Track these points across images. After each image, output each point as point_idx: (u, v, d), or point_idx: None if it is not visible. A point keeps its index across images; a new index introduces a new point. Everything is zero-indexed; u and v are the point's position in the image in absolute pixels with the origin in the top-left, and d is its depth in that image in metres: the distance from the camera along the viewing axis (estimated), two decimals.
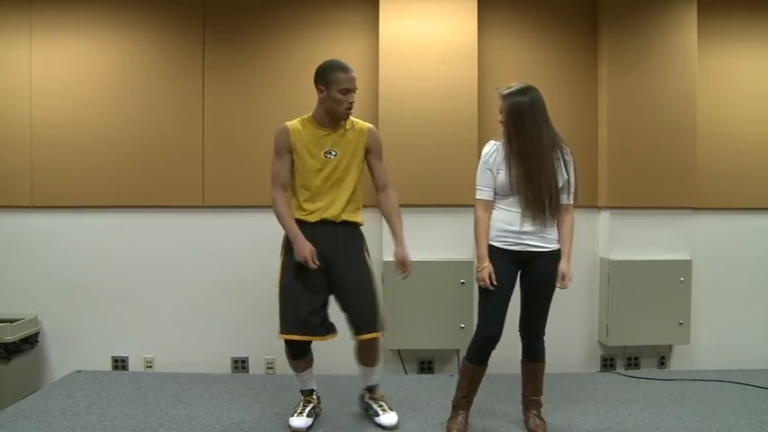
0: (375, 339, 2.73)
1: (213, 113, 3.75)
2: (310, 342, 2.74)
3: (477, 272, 2.62)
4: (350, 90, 2.67)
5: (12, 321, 3.51)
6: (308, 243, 2.64)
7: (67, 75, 3.75)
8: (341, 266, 2.70)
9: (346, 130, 2.75)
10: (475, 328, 2.70)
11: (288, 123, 2.75)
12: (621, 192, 3.69)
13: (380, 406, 2.85)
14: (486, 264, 2.59)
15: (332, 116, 2.70)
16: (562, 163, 2.62)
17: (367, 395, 2.92)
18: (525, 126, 2.54)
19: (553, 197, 2.59)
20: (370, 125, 2.84)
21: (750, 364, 3.79)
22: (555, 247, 2.66)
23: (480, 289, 2.65)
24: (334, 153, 2.71)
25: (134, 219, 3.78)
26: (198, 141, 3.75)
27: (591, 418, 2.95)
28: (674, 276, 3.68)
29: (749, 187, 3.85)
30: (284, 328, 2.69)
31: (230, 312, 3.77)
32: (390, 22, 3.64)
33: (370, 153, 2.80)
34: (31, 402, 3.11)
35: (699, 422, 2.88)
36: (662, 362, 3.84)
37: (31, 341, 3.63)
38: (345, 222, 2.74)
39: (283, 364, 3.69)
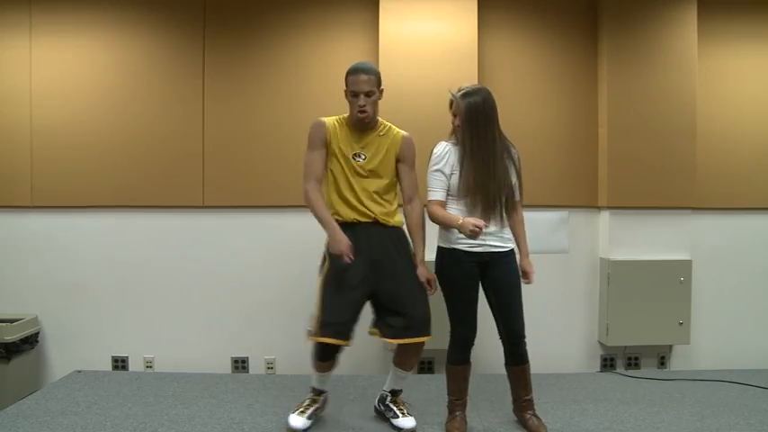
0: (421, 344, 2.75)
1: (213, 113, 3.75)
2: (347, 345, 2.70)
3: (462, 228, 2.51)
4: (357, 93, 2.64)
5: (12, 321, 3.51)
6: (345, 237, 2.61)
7: (67, 75, 3.75)
8: (391, 271, 2.68)
9: (380, 135, 2.74)
10: (449, 327, 2.73)
11: (324, 119, 2.74)
12: (621, 192, 3.69)
13: (401, 410, 2.84)
14: (462, 219, 2.52)
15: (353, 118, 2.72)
16: (513, 162, 2.67)
17: (389, 398, 2.89)
18: (480, 128, 2.57)
19: (508, 197, 2.63)
20: (406, 134, 2.82)
21: (750, 364, 3.80)
22: (511, 246, 2.70)
23: (446, 292, 2.68)
24: (363, 156, 2.70)
25: (134, 219, 3.78)
26: (198, 141, 3.75)
27: (591, 418, 2.95)
28: (674, 276, 3.68)
29: (749, 187, 3.85)
30: (322, 332, 2.62)
31: (230, 312, 3.77)
32: (390, 23, 3.64)
33: (401, 162, 2.78)
34: (31, 402, 3.11)
35: (699, 422, 2.89)
36: (662, 362, 3.84)
37: (31, 341, 3.63)
38: (386, 225, 2.73)
39: (283, 364, 3.73)
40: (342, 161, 2.71)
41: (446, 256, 2.69)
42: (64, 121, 3.74)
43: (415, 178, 2.83)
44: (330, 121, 2.75)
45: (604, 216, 3.79)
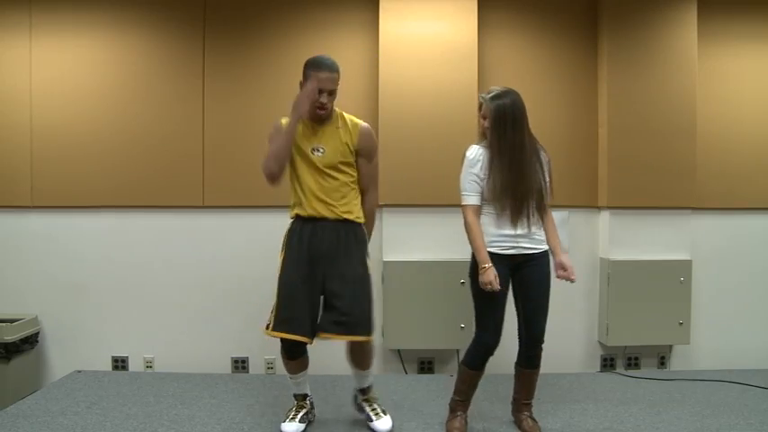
0: (365, 343, 2.68)
1: (213, 113, 3.75)
2: (306, 343, 2.68)
3: (481, 275, 2.54)
4: (321, 90, 2.58)
5: (12, 321, 3.51)
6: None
7: (67, 75, 3.75)
8: (338, 265, 2.64)
9: (338, 127, 2.68)
10: (474, 328, 2.69)
11: (282, 120, 2.69)
12: (621, 192, 3.69)
13: (374, 410, 2.81)
14: (489, 265, 2.54)
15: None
16: (541, 165, 2.65)
17: (360, 396, 2.87)
18: (509, 131, 2.55)
19: (538, 200, 2.61)
20: (364, 125, 2.73)
21: (750, 364, 3.79)
22: (544, 247, 2.68)
23: (476, 295, 2.64)
24: (321, 150, 2.64)
25: (134, 219, 3.78)
26: (198, 141, 3.75)
27: (591, 418, 2.95)
28: (674, 276, 3.68)
29: (749, 187, 3.85)
30: (276, 326, 2.62)
31: (230, 312, 3.77)
32: (390, 23, 3.64)
33: (359, 155, 2.71)
34: (31, 402, 3.11)
35: (699, 422, 2.89)
36: (662, 362, 3.84)
37: (31, 341, 3.63)
38: (345, 221, 2.69)
39: (282, 365, 3.72)
40: (300, 157, 2.65)
41: None
42: (64, 121, 3.74)
43: (374, 170, 2.77)
44: (285, 119, 2.68)
45: (604, 216, 3.78)
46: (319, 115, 2.64)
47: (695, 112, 3.70)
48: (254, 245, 3.74)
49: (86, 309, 3.77)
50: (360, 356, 2.74)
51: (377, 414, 2.80)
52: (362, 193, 2.78)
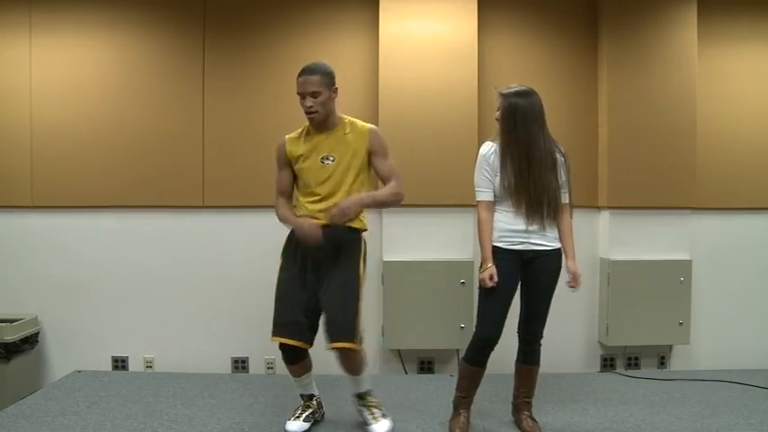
0: (348, 350, 2.61)
1: (213, 113, 3.75)
2: (303, 348, 2.67)
3: (480, 272, 2.61)
4: (303, 95, 2.61)
5: (12, 321, 3.51)
6: (307, 219, 2.61)
7: (67, 75, 3.75)
8: (329, 270, 2.64)
9: (346, 133, 2.69)
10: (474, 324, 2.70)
11: (287, 136, 2.76)
12: (621, 192, 3.69)
13: (371, 414, 2.77)
14: (490, 265, 2.58)
15: None
16: (557, 164, 2.64)
17: (358, 402, 2.83)
18: (519, 128, 2.55)
19: (551, 198, 2.60)
20: (372, 126, 2.75)
21: (750, 364, 3.80)
22: (556, 245, 2.67)
23: (481, 289, 2.65)
24: (331, 158, 2.66)
25: (134, 219, 3.78)
26: (198, 141, 3.75)
27: (591, 418, 2.95)
28: (674, 276, 3.68)
29: (749, 187, 3.85)
30: (274, 331, 2.64)
31: (230, 312, 3.77)
32: (390, 23, 3.64)
33: (374, 155, 2.71)
34: (31, 402, 3.11)
35: (699, 422, 2.89)
36: (662, 362, 3.84)
37: (31, 341, 3.63)
38: (347, 228, 2.67)
39: (283, 365, 3.71)
40: (307, 169, 2.67)
41: None
42: (64, 120, 3.74)
43: (390, 164, 2.73)
44: (291, 136, 2.74)
45: (604, 216, 3.79)
46: (310, 119, 2.65)
47: (695, 111, 3.71)
48: (254, 245, 3.74)
49: (86, 309, 3.77)
50: (346, 363, 2.69)
51: (374, 418, 2.76)
52: (385, 182, 2.74)
